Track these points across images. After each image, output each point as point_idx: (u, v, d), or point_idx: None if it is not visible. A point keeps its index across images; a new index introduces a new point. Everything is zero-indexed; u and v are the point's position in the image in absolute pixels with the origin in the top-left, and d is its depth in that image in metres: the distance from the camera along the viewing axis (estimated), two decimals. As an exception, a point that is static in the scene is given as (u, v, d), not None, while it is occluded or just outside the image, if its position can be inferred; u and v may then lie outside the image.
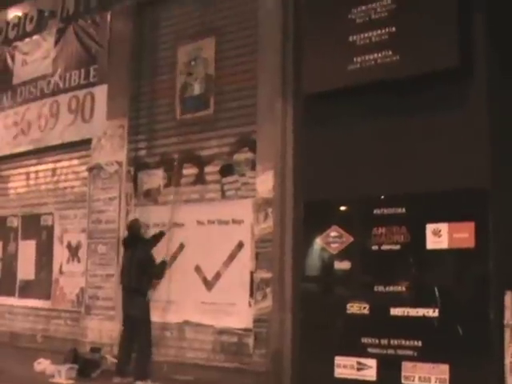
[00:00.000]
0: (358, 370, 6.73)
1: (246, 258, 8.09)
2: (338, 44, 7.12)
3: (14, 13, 11.89)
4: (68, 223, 10.61)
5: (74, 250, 10.43)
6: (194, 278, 8.60)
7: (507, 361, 5.85)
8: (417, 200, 6.52)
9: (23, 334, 10.90)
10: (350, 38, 7.00)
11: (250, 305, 7.94)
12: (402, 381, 6.38)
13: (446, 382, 6.13)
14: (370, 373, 6.65)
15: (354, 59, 6.94)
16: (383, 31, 6.79)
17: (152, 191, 9.40)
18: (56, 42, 10.97)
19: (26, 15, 11.66)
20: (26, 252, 11.27)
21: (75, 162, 10.71)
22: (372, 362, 6.64)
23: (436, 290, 6.31)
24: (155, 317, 8.41)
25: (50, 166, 11.14)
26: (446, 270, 6.42)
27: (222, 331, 8.25)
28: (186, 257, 8.77)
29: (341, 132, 7.16)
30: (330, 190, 7.13)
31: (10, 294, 11.20)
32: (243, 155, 8.36)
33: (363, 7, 6.98)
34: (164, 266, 8.49)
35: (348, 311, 6.85)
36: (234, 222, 8.33)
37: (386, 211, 6.73)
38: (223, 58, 8.77)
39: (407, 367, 6.38)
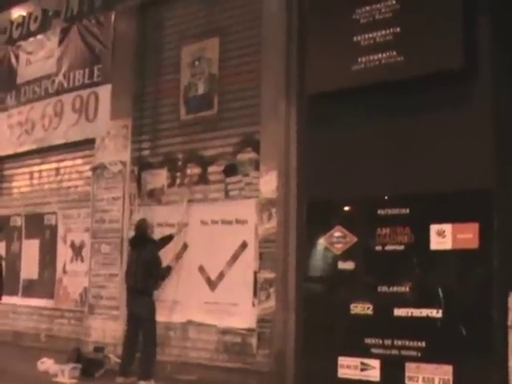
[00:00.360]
0: (362, 370, 6.72)
1: (249, 258, 8.09)
2: (342, 44, 7.11)
3: (18, 12, 11.90)
4: (71, 223, 10.62)
5: (77, 250, 10.45)
6: (198, 277, 8.60)
7: (511, 362, 5.84)
8: (421, 200, 6.50)
9: (26, 334, 10.93)
10: (355, 39, 6.98)
11: (253, 305, 7.94)
12: (406, 381, 6.36)
13: (450, 382, 6.11)
14: (374, 373, 6.64)
15: (359, 59, 6.92)
16: (387, 31, 6.78)
17: (156, 191, 9.41)
18: (60, 42, 10.99)
19: (30, 15, 11.67)
20: (30, 251, 11.29)
21: (79, 161, 10.74)
22: (375, 363, 6.62)
23: (440, 290, 6.29)
24: (158, 316, 8.40)
25: (54, 165, 11.17)
26: (449, 271, 6.40)
27: (225, 331, 8.25)
28: (190, 257, 8.77)
29: (345, 132, 7.14)
30: (334, 191, 7.11)
31: (14, 293, 11.16)
32: (247, 155, 8.36)
33: (367, 7, 6.96)
34: (169, 270, 8.51)
35: (352, 311, 6.84)
36: (238, 222, 8.32)
37: (389, 212, 6.72)
38: (227, 58, 8.77)
39: (411, 368, 6.37)
